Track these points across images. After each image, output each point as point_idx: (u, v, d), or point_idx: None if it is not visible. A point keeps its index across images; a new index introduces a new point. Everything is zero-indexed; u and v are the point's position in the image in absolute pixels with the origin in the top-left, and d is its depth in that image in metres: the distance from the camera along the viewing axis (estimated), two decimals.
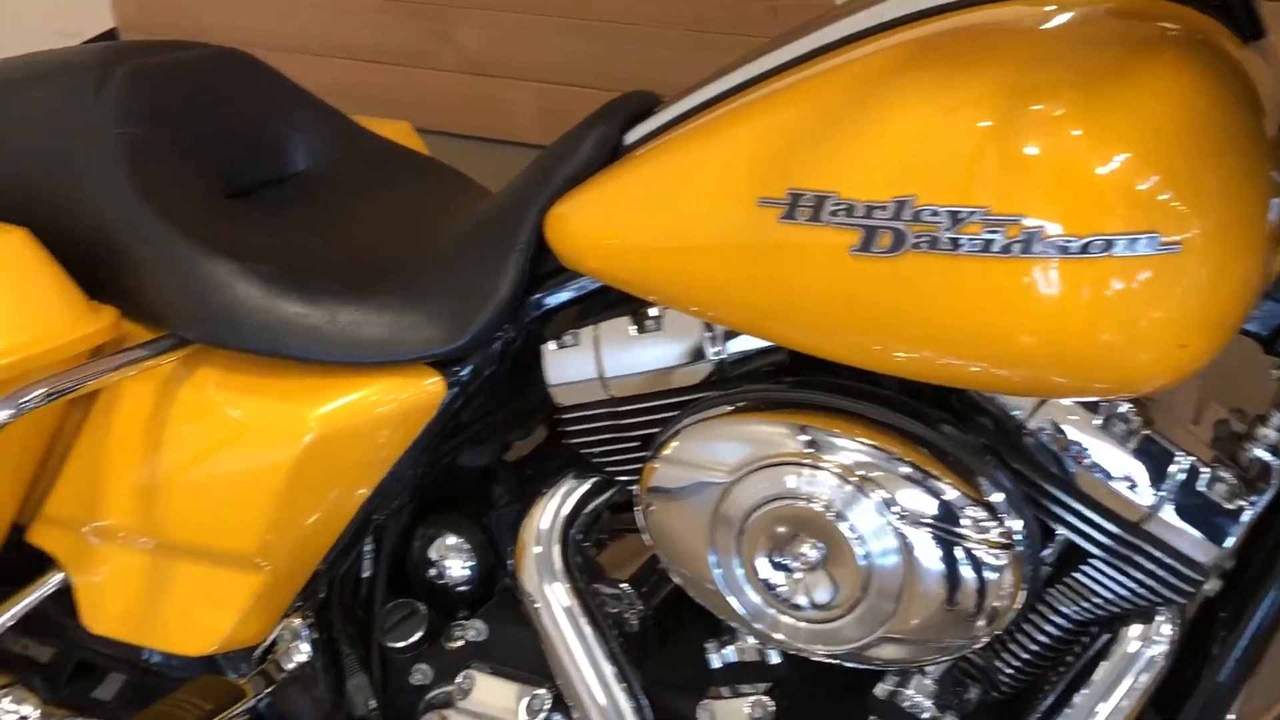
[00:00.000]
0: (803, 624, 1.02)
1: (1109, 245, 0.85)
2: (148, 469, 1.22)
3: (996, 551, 0.97)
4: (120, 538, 1.27)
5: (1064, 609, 1.04)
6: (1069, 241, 0.85)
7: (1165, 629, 1.02)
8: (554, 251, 1.12)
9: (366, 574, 1.30)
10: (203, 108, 1.34)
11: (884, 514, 0.98)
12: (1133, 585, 1.01)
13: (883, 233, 0.90)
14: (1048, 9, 0.94)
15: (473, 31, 3.09)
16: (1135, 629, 1.03)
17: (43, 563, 1.33)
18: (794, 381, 1.04)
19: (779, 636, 1.04)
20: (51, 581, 1.31)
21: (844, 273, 0.93)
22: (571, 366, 1.14)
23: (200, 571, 1.24)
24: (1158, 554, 0.99)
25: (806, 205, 0.93)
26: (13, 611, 1.30)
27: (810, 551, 1.00)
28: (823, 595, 1.01)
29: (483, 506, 1.30)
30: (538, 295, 1.16)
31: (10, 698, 1.34)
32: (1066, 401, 0.99)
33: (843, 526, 0.98)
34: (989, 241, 0.87)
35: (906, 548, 0.98)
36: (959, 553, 0.97)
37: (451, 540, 1.29)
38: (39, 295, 1.19)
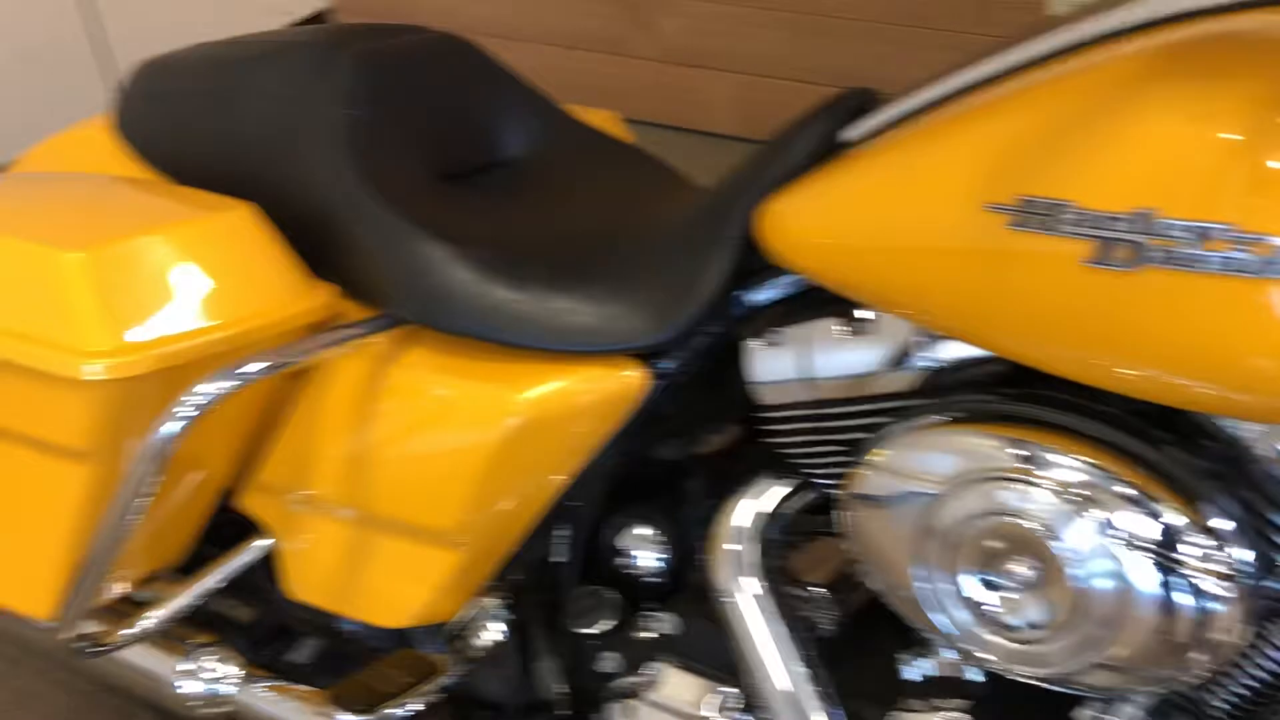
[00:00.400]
0: (1009, 644, 0.99)
1: None
2: (356, 443, 1.26)
3: (1221, 582, 0.93)
4: (325, 508, 1.30)
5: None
6: None
7: None
8: (764, 248, 1.11)
9: (558, 559, 1.31)
10: (423, 92, 1.36)
11: (1102, 535, 0.94)
12: None
13: (1120, 245, 0.87)
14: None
15: (674, 20, 3.10)
16: None
17: (246, 529, 1.39)
18: (1012, 394, 1.02)
19: (982, 655, 1.02)
20: (257, 547, 1.36)
21: (1075, 284, 0.90)
22: (776, 365, 1.13)
23: (399, 546, 1.27)
24: None
25: (1038, 213, 0.90)
26: (221, 573, 1.36)
27: (1022, 570, 0.97)
28: (1032, 617, 0.98)
29: (676, 500, 1.30)
30: (743, 292, 1.15)
31: (216, 656, 1.38)
32: None
33: (1057, 546, 0.95)
34: (1233, 260, 0.83)
35: (1124, 572, 0.94)
36: (1180, 581, 0.93)
37: (643, 531, 1.30)
38: (262, 270, 1.23)
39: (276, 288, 1.22)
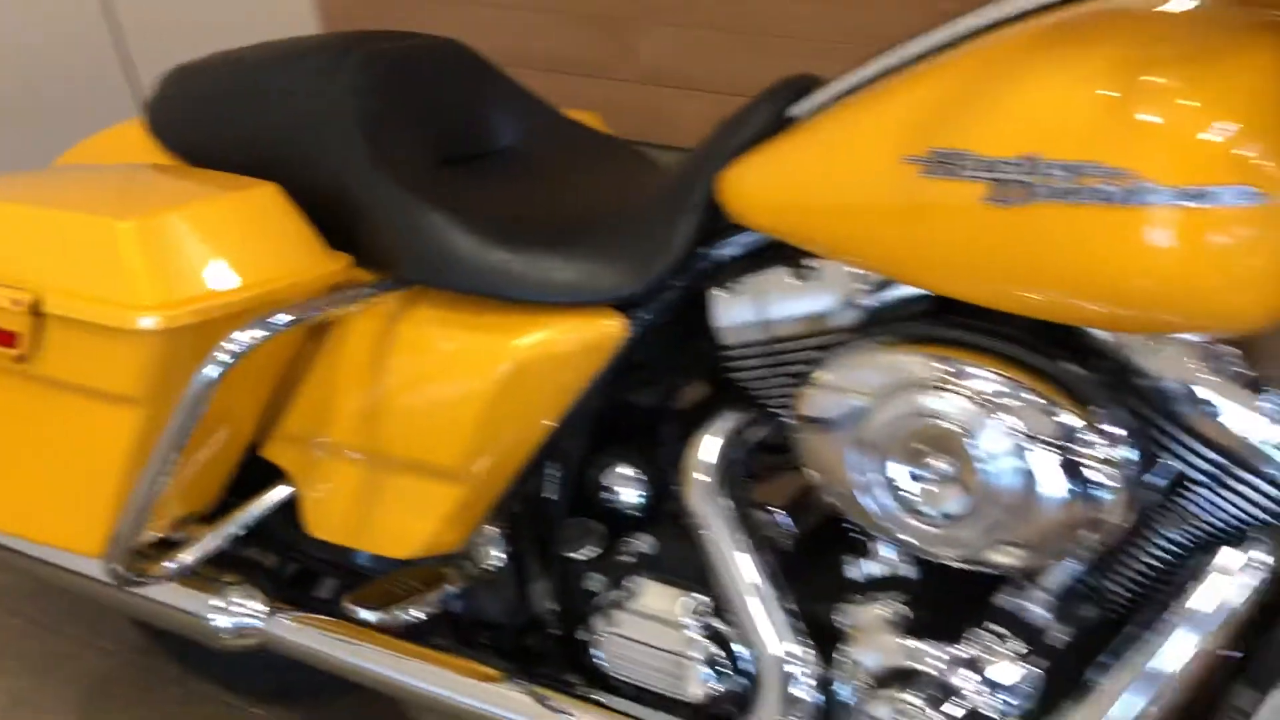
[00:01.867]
0: (929, 529, 1.17)
1: (1208, 196, 0.98)
2: (369, 391, 1.43)
3: (1108, 474, 1.11)
4: (342, 452, 1.47)
5: (1169, 532, 1.17)
6: (1173, 192, 0.99)
7: (1259, 555, 1.14)
8: (725, 209, 1.28)
9: (549, 495, 1.48)
10: (424, 88, 1.54)
11: (1008, 435, 1.12)
12: (1231, 508, 1.13)
13: (1011, 185, 1.05)
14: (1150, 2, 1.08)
15: (651, 45, 3.29)
16: (1231, 553, 1.15)
17: (268, 480, 1.55)
18: (935, 321, 1.19)
19: (908, 539, 1.19)
20: (280, 492, 1.53)
21: (976, 221, 1.07)
22: (737, 310, 1.31)
23: (409, 483, 1.44)
24: (1253, 479, 1.11)
25: (944, 161, 1.08)
26: (249, 515, 1.52)
27: (941, 465, 1.14)
28: (949, 504, 1.15)
29: (653, 441, 1.46)
30: (708, 249, 1.33)
31: (241, 593, 1.55)
32: (1176, 341, 1.12)
33: (970, 444, 1.13)
34: (1102, 191, 1.01)
35: (1026, 466, 1.12)
36: (1074, 473, 1.11)
37: (625, 470, 1.47)
38: (285, 240, 1.41)
39: (297, 255, 1.40)
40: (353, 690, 1.61)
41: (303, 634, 1.52)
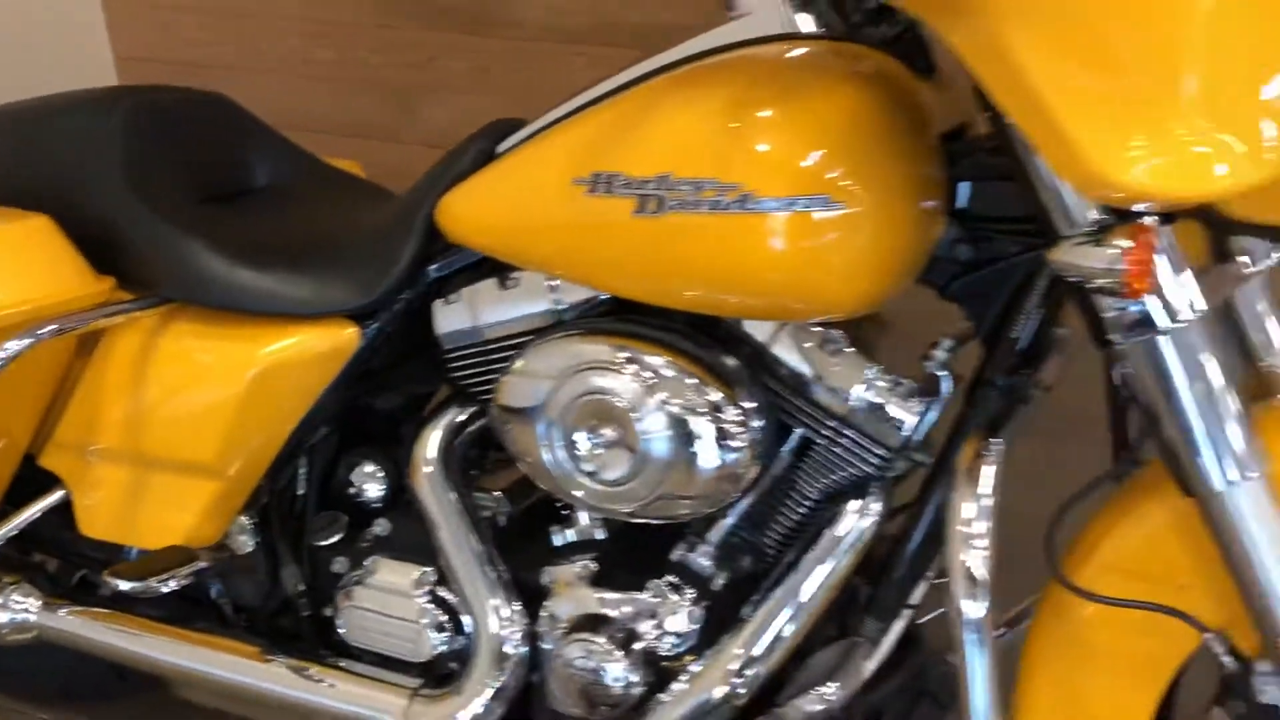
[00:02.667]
0: (602, 488, 1.40)
1: (798, 204, 1.23)
2: (134, 399, 1.60)
3: (741, 435, 1.35)
4: (111, 456, 1.64)
5: (802, 489, 1.41)
6: (772, 201, 1.24)
7: (875, 505, 1.39)
8: (443, 232, 1.50)
9: (301, 490, 1.67)
10: (187, 134, 1.73)
11: (663, 408, 1.35)
12: (845, 465, 1.38)
13: (651, 199, 1.29)
14: (778, 50, 1.34)
15: (437, 111, 3.53)
16: (853, 504, 1.39)
17: (45, 488, 1.71)
18: (613, 317, 1.42)
19: (590, 500, 1.41)
20: (54, 497, 1.69)
21: (629, 231, 1.31)
22: (455, 318, 1.52)
23: (171, 481, 1.61)
24: (860, 440, 1.36)
25: (603, 182, 1.32)
26: (23, 518, 1.68)
27: (610, 433, 1.37)
28: (619, 466, 1.38)
29: (394, 442, 1.67)
30: (432, 267, 1.55)
31: (18, 591, 1.70)
32: (796, 327, 1.37)
33: (634, 416, 1.36)
34: (721, 203, 1.26)
35: (678, 432, 1.35)
36: (715, 437, 1.35)
37: (368, 467, 1.66)
38: (53, 264, 1.58)
39: (65, 277, 1.57)
40: (136, 692, 1.77)
41: (76, 624, 1.68)
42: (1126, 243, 1.13)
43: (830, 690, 1.37)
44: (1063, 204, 1.17)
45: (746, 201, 1.25)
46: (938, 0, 1.13)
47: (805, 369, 1.37)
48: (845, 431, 1.37)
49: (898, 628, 1.43)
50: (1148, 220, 1.14)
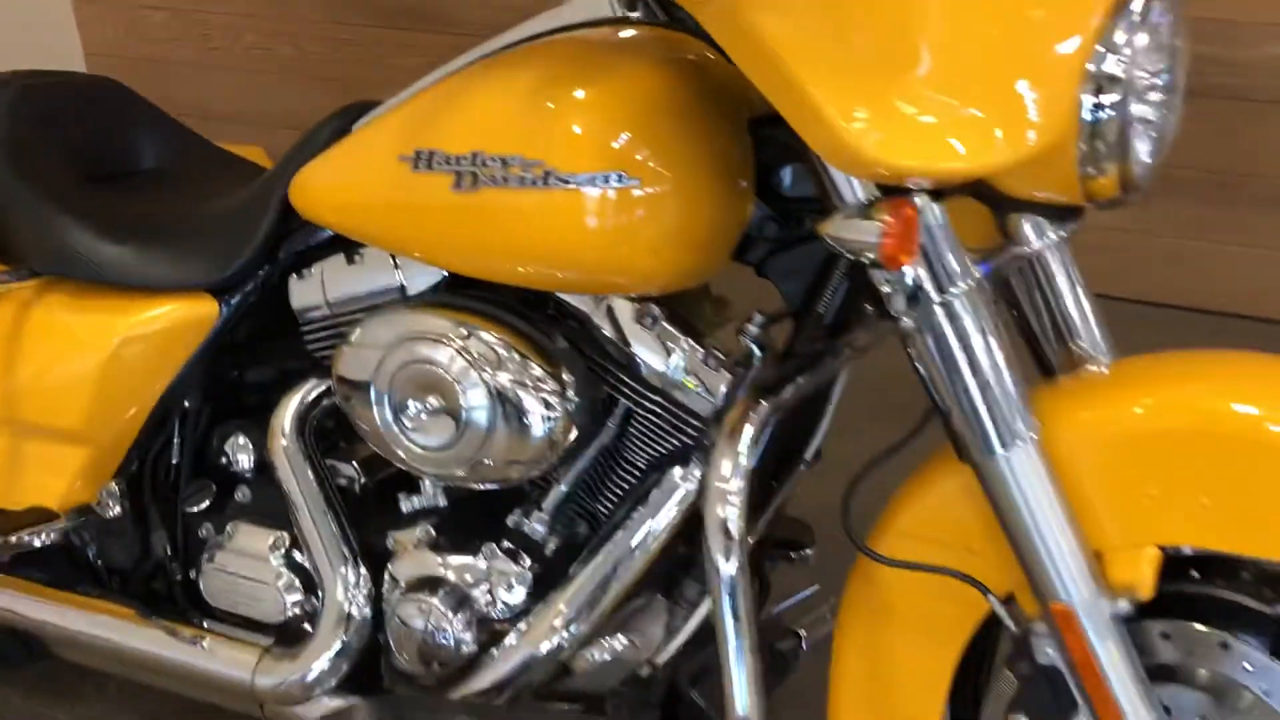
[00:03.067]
0: (428, 453, 1.46)
1: (594, 180, 1.29)
2: (7, 368, 1.68)
3: (558, 406, 1.41)
4: None
5: (629, 457, 1.47)
6: (573, 177, 1.30)
7: (695, 472, 1.44)
8: (296, 209, 1.57)
9: (174, 459, 1.74)
10: (74, 118, 1.81)
11: (484, 377, 1.41)
12: (665, 434, 1.43)
13: (466, 175, 1.35)
14: (600, 34, 1.40)
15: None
16: (677, 470, 1.45)
17: None
18: (448, 291, 1.49)
19: (413, 463, 1.47)
20: None
21: (448, 206, 1.37)
22: (307, 292, 1.59)
23: (46, 448, 1.69)
24: (675, 410, 1.42)
25: (424, 158, 1.38)
26: None
27: (435, 401, 1.43)
28: (446, 432, 1.44)
29: (267, 414, 1.73)
30: (288, 242, 1.61)
31: None
32: (617, 301, 1.43)
33: (456, 384, 1.42)
34: (527, 179, 1.32)
35: (497, 401, 1.41)
36: (535, 407, 1.41)
37: (241, 439, 1.73)
38: None
39: None
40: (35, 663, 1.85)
41: None
42: (887, 216, 1.18)
43: (620, 642, 1.43)
44: (833, 181, 1.23)
45: (550, 178, 1.31)
46: None
47: (623, 342, 1.43)
48: (662, 402, 1.42)
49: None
50: (917, 197, 1.20)
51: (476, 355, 1.41)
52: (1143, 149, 1.22)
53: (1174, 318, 3.20)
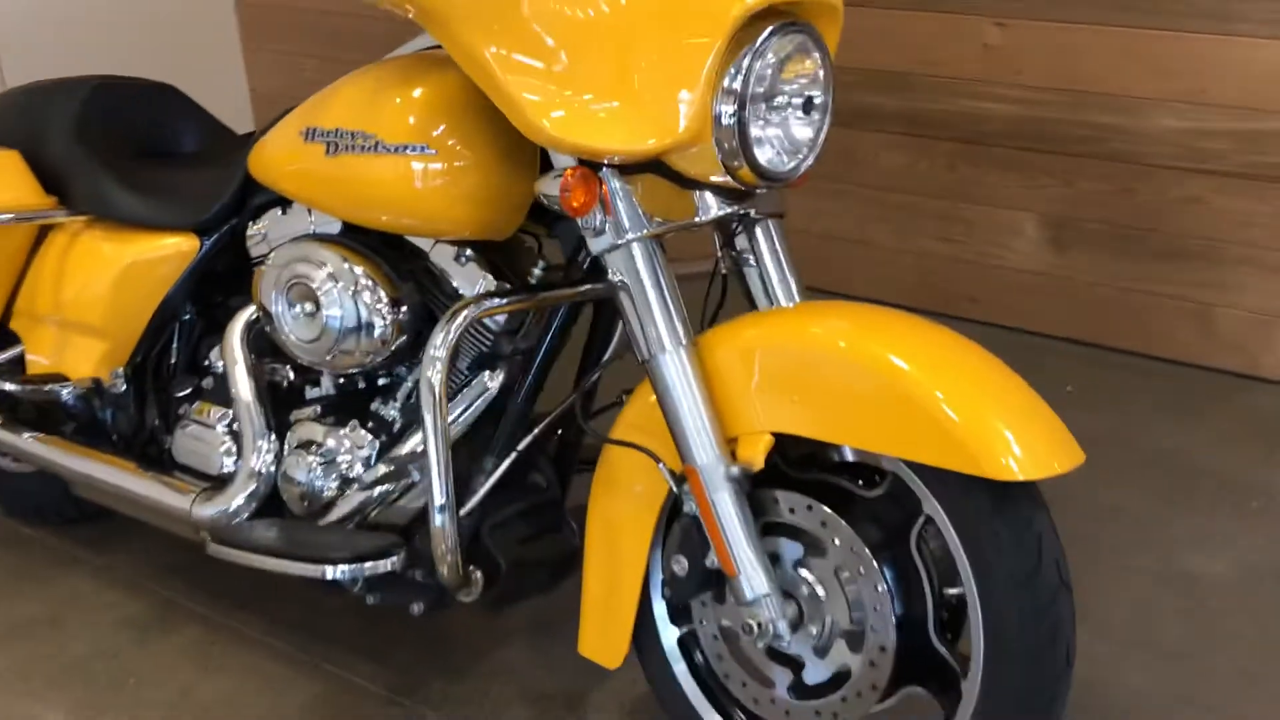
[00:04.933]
0: (302, 344, 2.02)
1: (410, 149, 1.84)
2: (58, 282, 2.33)
3: (389, 314, 1.96)
4: (46, 319, 2.37)
5: (455, 361, 2.00)
6: (393, 146, 1.85)
7: (499, 374, 1.97)
8: (250, 173, 2.16)
9: (173, 360, 2.36)
10: (134, 110, 2.47)
11: (338, 291, 1.97)
12: (472, 344, 1.97)
13: (332, 144, 1.92)
14: (444, 53, 1.95)
15: None
16: (487, 372, 1.97)
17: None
18: (337, 232, 2.06)
19: (295, 353, 2.04)
20: (14, 351, 2.43)
21: (323, 168, 1.94)
22: (256, 235, 2.19)
23: (78, 337, 2.34)
24: (477, 327, 1.95)
25: (311, 133, 1.95)
26: None
27: (308, 306, 2.00)
28: (311, 329, 2.00)
29: None
30: (253, 197, 2.21)
31: None
32: (446, 243, 1.97)
33: (320, 294, 1.98)
34: (364, 147, 1.88)
35: (346, 309, 1.97)
36: (369, 314, 1.96)
37: (215, 346, 2.33)
38: (16, 186, 2.33)
39: (20, 192, 2.32)
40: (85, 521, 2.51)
41: (17, 441, 2.40)
42: (571, 178, 1.70)
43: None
44: (553, 159, 1.75)
45: (378, 147, 1.87)
46: (418, 12, 1.71)
47: (442, 273, 1.98)
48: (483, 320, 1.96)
49: (504, 465, 1.98)
50: (605, 170, 1.71)
51: (334, 274, 1.98)
52: (763, 155, 1.70)
53: (1089, 355, 3.47)
